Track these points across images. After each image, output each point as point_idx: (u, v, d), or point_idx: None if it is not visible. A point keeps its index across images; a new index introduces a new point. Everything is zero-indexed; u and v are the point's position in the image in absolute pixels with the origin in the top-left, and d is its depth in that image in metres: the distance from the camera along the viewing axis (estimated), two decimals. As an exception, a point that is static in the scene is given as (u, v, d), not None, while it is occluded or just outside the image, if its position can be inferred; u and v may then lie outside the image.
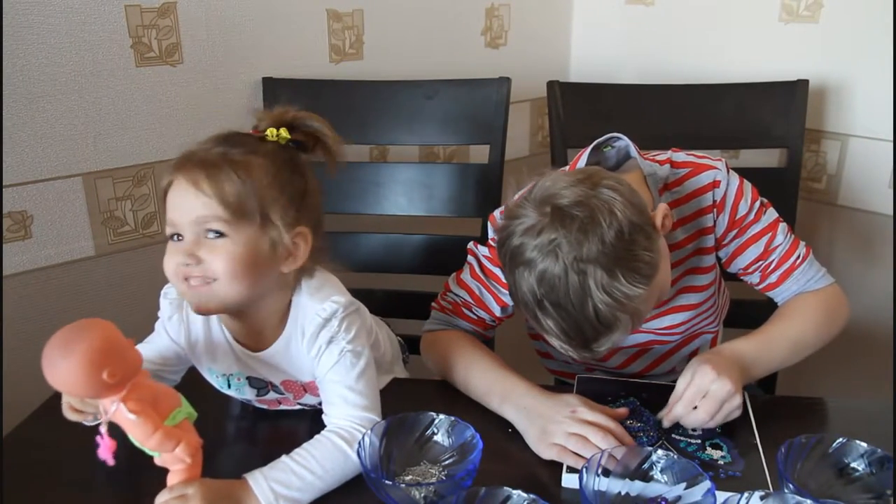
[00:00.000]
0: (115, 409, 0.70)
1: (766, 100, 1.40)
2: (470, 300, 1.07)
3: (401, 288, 1.42)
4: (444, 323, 1.09)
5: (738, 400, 0.89)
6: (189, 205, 0.80)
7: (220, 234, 0.81)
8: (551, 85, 1.42)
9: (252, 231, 0.82)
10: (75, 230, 1.25)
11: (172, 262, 0.83)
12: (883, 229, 1.49)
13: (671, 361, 1.13)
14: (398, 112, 1.37)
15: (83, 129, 1.21)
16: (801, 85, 1.41)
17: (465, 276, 1.08)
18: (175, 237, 0.83)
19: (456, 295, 1.09)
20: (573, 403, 0.90)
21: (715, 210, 1.01)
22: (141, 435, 0.71)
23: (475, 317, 1.07)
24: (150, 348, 0.95)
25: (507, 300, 1.05)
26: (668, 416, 0.91)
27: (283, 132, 0.86)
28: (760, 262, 1.03)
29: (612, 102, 1.45)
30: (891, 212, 1.46)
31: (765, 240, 1.02)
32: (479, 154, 1.40)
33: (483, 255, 1.07)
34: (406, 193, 1.38)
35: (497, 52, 1.71)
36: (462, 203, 1.37)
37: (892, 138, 1.43)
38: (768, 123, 1.41)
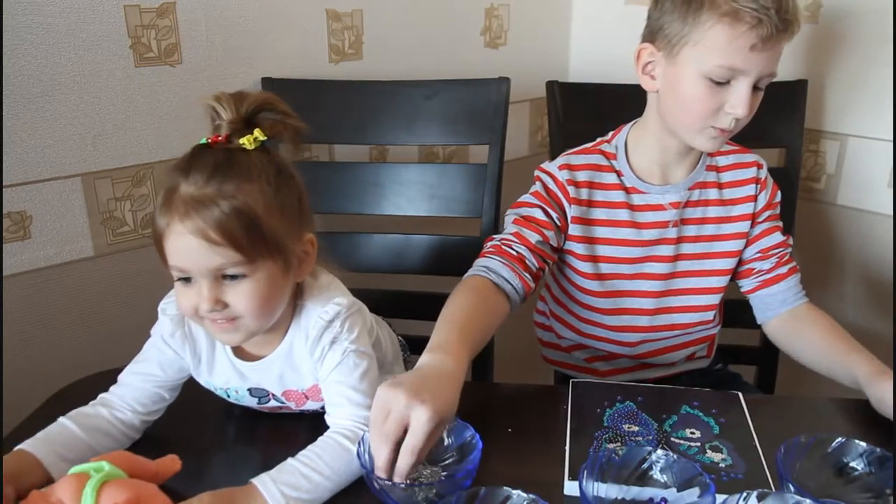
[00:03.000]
0: None
1: (765, 100, 1.40)
2: (513, 239, 1.06)
3: (401, 288, 1.42)
4: (480, 269, 1.04)
5: None
6: (201, 257, 0.79)
7: (239, 276, 0.81)
8: (550, 85, 1.42)
9: (268, 262, 0.82)
10: (74, 231, 1.25)
11: (189, 303, 0.82)
12: (882, 229, 1.49)
13: (683, 351, 1.19)
14: (398, 112, 1.37)
15: (82, 129, 1.21)
16: (801, 85, 1.41)
17: (509, 226, 1.10)
18: (183, 279, 0.82)
19: (498, 239, 1.08)
20: (408, 412, 0.76)
21: (758, 185, 1.13)
22: None
23: (515, 254, 1.05)
24: (146, 367, 0.92)
25: (547, 234, 1.07)
26: None
27: (258, 134, 0.83)
28: (780, 249, 1.13)
29: (611, 102, 1.45)
30: (890, 212, 1.46)
31: (786, 235, 1.15)
32: (479, 154, 1.40)
33: (520, 203, 1.11)
34: (406, 194, 1.38)
35: (496, 52, 1.71)
36: (462, 203, 1.37)
37: (891, 138, 1.43)
38: (768, 123, 1.41)
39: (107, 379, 0.94)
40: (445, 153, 1.67)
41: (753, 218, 1.13)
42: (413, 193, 1.38)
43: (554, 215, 1.09)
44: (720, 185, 1.12)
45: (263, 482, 0.77)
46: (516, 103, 1.66)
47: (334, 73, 1.47)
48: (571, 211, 1.09)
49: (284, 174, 0.84)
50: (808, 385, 1.56)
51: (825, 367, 1.06)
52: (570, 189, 1.09)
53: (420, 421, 0.75)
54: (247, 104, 0.83)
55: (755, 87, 0.99)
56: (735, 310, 1.25)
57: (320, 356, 0.89)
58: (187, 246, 0.79)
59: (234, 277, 0.81)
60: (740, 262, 1.15)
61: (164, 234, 0.80)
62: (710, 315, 1.16)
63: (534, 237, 1.06)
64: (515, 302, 1.03)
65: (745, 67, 0.96)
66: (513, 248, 1.05)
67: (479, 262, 1.05)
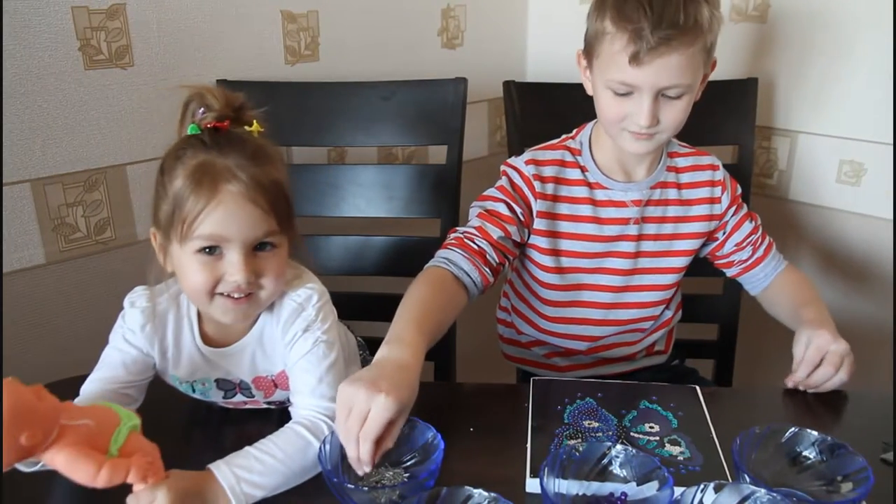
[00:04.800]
0: (51, 460, 0.67)
1: (717, 98, 1.42)
2: (475, 233, 1.07)
3: (361, 290, 1.42)
4: (441, 260, 1.05)
5: (852, 357, 0.99)
6: (247, 224, 0.81)
7: (272, 246, 0.85)
8: (507, 85, 1.42)
9: (287, 236, 0.86)
10: (24, 238, 1.21)
11: (208, 278, 0.83)
12: (831, 223, 1.53)
13: (640, 345, 1.21)
14: (355, 113, 1.36)
15: (30, 133, 1.18)
16: (751, 83, 1.44)
17: (473, 220, 1.11)
18: (207, 250, 0.82)
19: (461, 232, 1.08)
20: (368, 404, 0.77)
21: (719, 187, 1.16)
22: (85, 478, 0.68)
23: (477, 248, 1.05)
24: (109, 372, 0.90)
25: (509, 229, 1.08)
26: (792, 378, 1.01)
27: (256, 126, 0.86)
28: (753, 237, 1.18)
29: (568, 101, 1.45)
30: (839, 206, 1.51)
31: (751, 220, 1.19)
32: (438, 155, 1.40)
33: (485, 196, 1.12)
34: (364, 195, 1.38)
35: (454, 53, 1.71)
36: (421, 204, 1.37)
37: (838, 134, 1.47)
38: (720, 121, 1.44)
39: (60, 389, 0.91)
40: (404, 154, 1.67)
41: (719, 218, 1.16)
42: (372, 195, 1.38)
43: (518, 210, 1.09)
44: (679, 186, 1.15)
45: (217, 466, 0.79)
46: (474, 103, 1.67)
47: (290, 74, 1.45)
48: (537, 206, 1.10)
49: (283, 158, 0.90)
50: (764, 377, 1.60)
51: (789, 321, 1.14)
52: (536, 184, 1.10)
53: (378, 409, 0.77)
54: (237, 99, 0.86)
55: (668, 97, 1.00)
56: (692, 305, 1.28)
57: (291, 341, 0.90)
58: (236, 212, 0.81)
59: (267, 248, 0.85)
60: (721, 255, 1.20)
61: (208, 203, 0.80)
62: (658, 310, 1.19)
63: (496, 232, 1.07)
64: (473, 294, 1.05)
65: (633, 82, 0.98)
66: (474, 242, 1.06)
67: (441, 253, 1.06)
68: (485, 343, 1.31)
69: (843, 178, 1.49)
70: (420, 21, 1.63)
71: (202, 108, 0.84)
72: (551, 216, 1.12)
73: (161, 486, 0.73)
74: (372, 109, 1.36)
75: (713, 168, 1.17)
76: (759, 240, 1.19)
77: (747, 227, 1.18)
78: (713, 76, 1.45)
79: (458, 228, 1.09)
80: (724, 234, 1.18)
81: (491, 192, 1.12)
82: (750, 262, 1.19)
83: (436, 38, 1.67)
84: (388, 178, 1.38)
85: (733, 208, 1.17)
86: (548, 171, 1.11)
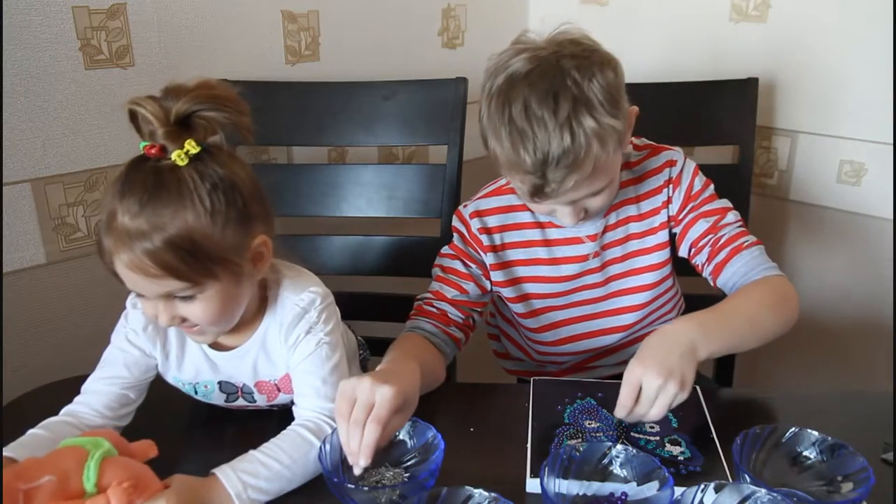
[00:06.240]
0: None
1: (717, 98, 1.43)
2: (432, 297, 1.10)
3: (361, 290, 1.42)
4: (408, 328, 1.08)
5: (672, 389, 0.84)
6: (147, 285, 0.79)
7: (189, 297, 0.81)
8: (508, 85, 1.42)
9: (214, 280, 0.81)
10: (25, 237, 1.21)
11: (150, 312, 0.84)
12: (832, 222, 1.53)
13: (631, 349, 1.16)
14: (356, 113, 1.36)
15: (31, 133, 1.18)
16: (752, 83, 1.44)
17: (432, 283, 1.12)
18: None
19: (421, 299, 1.11)
20: (373, 394, 0.79)
21: (671, 186, 1.07)
22: None
23: (436, 311, 1.08)
24: (112, 370, 0.90)
25: (466, 286, 1.08)
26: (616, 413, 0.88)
27: (190, 146, 0.77)
28: (710, 236, 1.05)
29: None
30: (839, 206, 1.51)
31: (715, 217, 1.06)
32: (439, 154, 1.40)
33: (442, 254, 1.12)
34: (365, 195, 1.38)
35: (454, 53, 1.71)
36: (421, 204, 1.37)
37: (839, 134, 1.47)
38: (720, 121, 1.44)
39: (61, 388, 0.92)
40: (405, 154, 1.67)
41: (669, 224, 1.09)
42: (372, 194, 1.38)
43: (473, 266, 1.10)
44: (638, 199, 1.08)
45: (223, 471, 0.79)
46: (474, 103, 1.66)
47: (291, 74, 1.45)
48: (488, 259, 1.09)
49: (222, 185, 0.79)
50: (764, 377, 1.60)
51: None
52: (483, 238, 1.08)
53: (385, 397, 0.78)
54: (175, 111, 0.77)
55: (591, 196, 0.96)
56: (692, 304, 1.27)
57: (294, 343, 0.89)
58: (131, 276, 0.78)
59: (185, 298, 0.81)
60: (690, 258, 1.09)
61: (111, 257, 0.79)
62: (649, 328, 1.12)
63: (451, 292, 1.08)
64: (447, 353, 1.07)
65: (544, 202, 0.95)
66: (433, 307, 1.08)
67: (408, 322, 1.08)
68: (484, 344, 1.31)
69: (844, 178, 1.49)
70: (420, 21, 1.63)
71: (148, 125, 0.78)
72: (505, 265, 1.10)
73: (161, 499, 0.73)
74: (372, 109, 1.36)
75: (670, 165, 1.07)
76: (723, 242, 1.03)
77: (700, 226, 1.05)
78: (713, 76, 1.46)
79: (419, 296, 1.11)
80: (678, 231, 1.08)
81: (446, 249, 1.12)
82: (711, 266, 1.04)
83: (436, 38, 1.67)
84: (388, 178, 1.38)
85: (688, 206, 1.06)
86: (492, 221, 1.09)
